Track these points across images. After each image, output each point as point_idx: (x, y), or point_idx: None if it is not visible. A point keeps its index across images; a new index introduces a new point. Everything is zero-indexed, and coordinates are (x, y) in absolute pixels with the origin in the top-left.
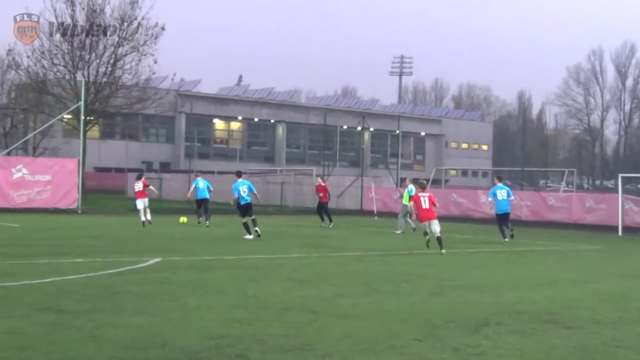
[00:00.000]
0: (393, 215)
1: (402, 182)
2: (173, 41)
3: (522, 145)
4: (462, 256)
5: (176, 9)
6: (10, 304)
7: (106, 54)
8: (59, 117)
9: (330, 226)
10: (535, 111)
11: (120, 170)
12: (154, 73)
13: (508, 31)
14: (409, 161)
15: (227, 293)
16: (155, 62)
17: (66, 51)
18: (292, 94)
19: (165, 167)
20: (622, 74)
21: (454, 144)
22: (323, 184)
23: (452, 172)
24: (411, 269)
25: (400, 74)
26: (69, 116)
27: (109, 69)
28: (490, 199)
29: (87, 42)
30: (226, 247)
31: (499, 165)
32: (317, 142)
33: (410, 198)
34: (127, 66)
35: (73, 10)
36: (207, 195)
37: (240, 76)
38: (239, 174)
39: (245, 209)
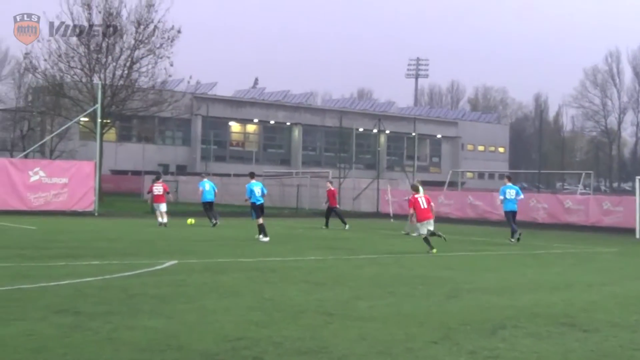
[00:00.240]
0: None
1: None
2: (189, 44)
3: (538, 147)
4: (479, 259)
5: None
6: (27, 306)
7: (123, 57)
8: (76, 119)
9: (346, 228)
10: (552, 113)
11: (136, 173)
12: (170, 76)
13: (524, 33)
14: (425, 163)
15: (243, 295)
16: (172, 65)
17: (83, 54)
18: (308, 96)
19: (181, 170)
20: (639, 76)
21: (470, 147)
22: (332, 188)
23: (469, 175)
24: (427, 271)
25: (417, 76)
26: (86, 119)
27: (126, 71)
28: (501, 197)
29: (104, 45)
30: (242, 249)
31: (515, 168)
32: (333, 144)
33: (409, 202)
34: (144, 69)
35: (90, 13)
36: (213, 198)
37: (256, 79)
38: (252, 175)
39: (259, 210)
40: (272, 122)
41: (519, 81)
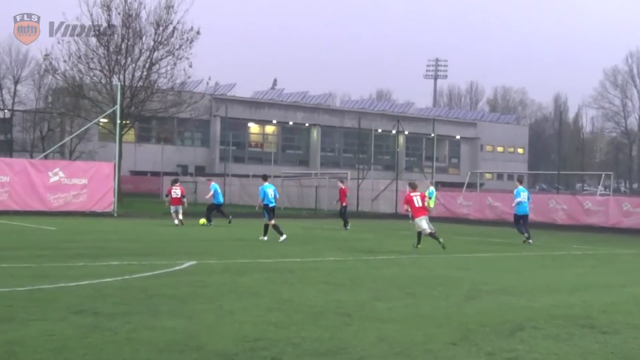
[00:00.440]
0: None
1: (436, 186)
2: (208, 45)
3: (558, 148)
4: (497, 260)
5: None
6: (46, 306)
7: (142, 58)
8: (95, 120)
9: (347, 228)
10: (571, 114)
11: (155, 174)
12: (189, 77)
13: (543, 33)
14: (444, 164)
15: (262, 296)
16: (191, 66)
17: (102, 55)
18: (327, 97)
19: (200, 171)
20: None
21: (489, 148)
22: (343, 187)
23: (488, 176)
24: (446, 272)
25: (435, 77)
26: (105, 120)
27: (145, 73)
28: (517, 199)
29: (123, 46)
30: (261, 250)
31: (534, 169)
32: (352, 145)
33: (405, 199)
34: (163, 70)
35: (109, 14)
36: (222, 200)
37: (275, 80)
38: (265, 178)
39: (272, 211)
40: (290, 123)
41: (538, 82)
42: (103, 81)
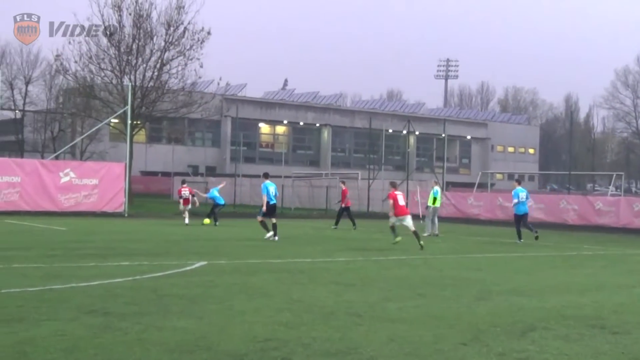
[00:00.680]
0: (439, 218)
1: (447, 186)
2: (219, 45)
3: (569, 148)
4: (508, 260)
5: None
6: (57, 306)
7: (153, 59)
8: (106, 121)
9: (334, 228)
10: (582, 114)
11: (166, 174)
12: (200, 77)
13: (554, 34)
14: (455, 165)
15: (272, 296)
16: (201, 67)
17: (113, 56)
18: (338, 97)
19: (211, 171)
20: None
21: (500, 148)
22: (344, 188)
23: (498, 176)
24: (456, 272)
25: (446, 77)
26: (116, 120)
27: (156, 73)
28: (515, 200)
29: (134, 46)
30: (271, 250)
31: (545, 169)
32: (363, 145)
33: (388, 195)
34: (174, 70)
35: (120, 15)
36: (223, 202)
37: (286, 80)
38: (266, 176)
39: (272, 210)
40: (301, 123)
41: (549, 82)
42: (114, 81)
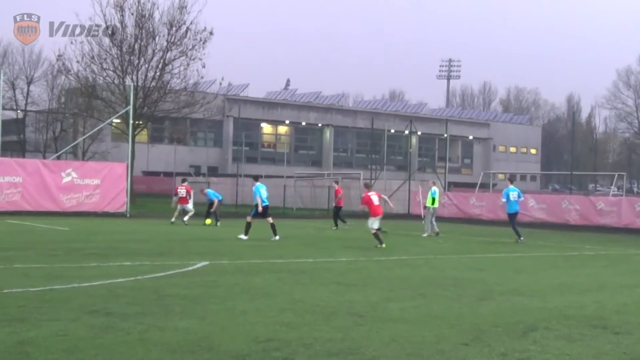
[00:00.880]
0: (441, 219)
1: (449, 186)
2: (221, 46)
3: (571, 149)
4: (510, 260)
5: (224, 14)
6: (59, 306)
7: (155, 59)
8: (108, 121)
9: (334, 229)
10: (584, 114)
11: (168, 174)
12: (202, 77)
13: (556, 34)
14: (457, 165)
15: (274, 297)
16: (204, 67)
17: (115, 56)
18: (340, 97)
19: (213, 171)
20: None
21: (502, 148)
22: (337, 187)
23: (500, 176)
24: (458, 273)
25: (448, 78)
26: (118, 120)
27: (158, 73)
28: (503, 199)
29: (136, 46)
30: (273, 250)
31: (547, 169)
32: (365, 145)
33: (362, 200)
34: (176, 71)
35: (122, 15)
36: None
37: (288, 80)
38: (256, 178)
39: (265, 211)
40: (303, 123)
41: (551, 82)
42: (116, 81)
